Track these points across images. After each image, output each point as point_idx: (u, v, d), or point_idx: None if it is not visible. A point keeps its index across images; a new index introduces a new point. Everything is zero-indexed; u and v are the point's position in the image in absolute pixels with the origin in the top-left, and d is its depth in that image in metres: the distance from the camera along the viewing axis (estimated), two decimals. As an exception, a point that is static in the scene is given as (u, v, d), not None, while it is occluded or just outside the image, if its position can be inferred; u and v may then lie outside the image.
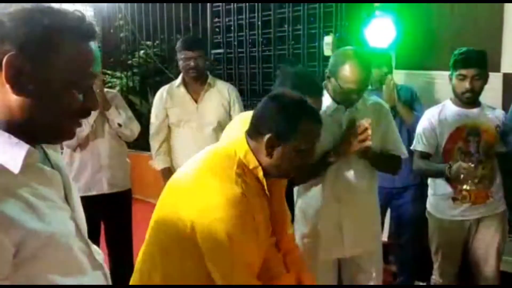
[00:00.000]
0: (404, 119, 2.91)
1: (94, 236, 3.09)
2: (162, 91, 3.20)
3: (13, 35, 0.84)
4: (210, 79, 3.19)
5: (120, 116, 2.93)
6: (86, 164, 2.93)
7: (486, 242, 2.57)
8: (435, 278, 2.72)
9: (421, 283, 3.15)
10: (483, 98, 2.58)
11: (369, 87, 3.00)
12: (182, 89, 3.16)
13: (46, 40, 0.87)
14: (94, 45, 0.96)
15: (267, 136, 1.41)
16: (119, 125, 2.93)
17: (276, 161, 1.44)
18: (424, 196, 2.74)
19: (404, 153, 2.34)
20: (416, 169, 2.65)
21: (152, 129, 3.23)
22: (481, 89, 2.47)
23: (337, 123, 2.22)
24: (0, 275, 0.80)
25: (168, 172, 3.10)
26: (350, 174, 2.21)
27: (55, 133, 0.94)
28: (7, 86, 0.85)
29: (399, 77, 3.11)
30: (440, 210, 2.61)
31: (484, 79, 2.46)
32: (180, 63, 3.10)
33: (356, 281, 2.33)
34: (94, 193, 2.93)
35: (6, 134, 0.86)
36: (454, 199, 2.53)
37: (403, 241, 3.12)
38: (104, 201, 2.96)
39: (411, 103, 2.93)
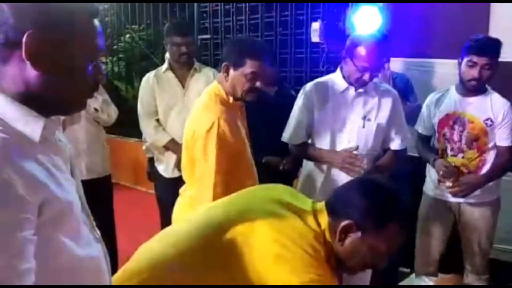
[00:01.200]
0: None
1: None
2: (149, 76, 3.18)
3: (31, 14, 0.89)
4: (196, 64, 3.18)
5: (96, 101, 2.88)
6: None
7: (471, 229, 2.61)
8: (417, 259, 2.78)
9: (405, 269, 3.19)
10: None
11: None
12: (170, 74, 3.13)
13: (62, 18, 0.92)
14: (97, 21, 1.01)
15: (347, 221, 1.28)
16: (96, 109, 2.90)
17: (346, 251, 1.31)
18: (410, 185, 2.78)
19: (407, 142, 2.50)
20: (417, 150, 2.74)
21: (142, 114, 3.18)
22: (488, 78, 2.44)
23: (345, 103, 2.39)
24: (31, 229, 0.85)
25: (173, 144, 3.05)
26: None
27: (69, 105, 1.01)
28: (27, 62, 0.90)
29: (394, 65, 3.10)
30: (428, 188, 2.70)
31: (494, 69, 2.42)
32: (170, 48, 3.07)
33: None
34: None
35: (26, 107, 0.93)
36: (439, 181, 2.58)
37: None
38: (83, 187, 2.91)
39: (405, 93, 2.93)
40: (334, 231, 1.31)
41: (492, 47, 2.40)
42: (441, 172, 2.50)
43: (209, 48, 4.85)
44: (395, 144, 2.49)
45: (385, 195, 1.33)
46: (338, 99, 2.40)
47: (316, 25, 3.69)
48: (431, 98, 2.67)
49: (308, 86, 2.47)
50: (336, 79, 2.43)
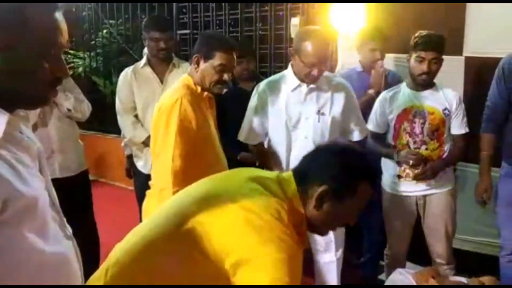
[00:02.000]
0: None
1: None
2: (127, 71, 3.15)
3: None
4: (175, 59, 3.16)
5: (69, 100, 2.85)
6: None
7: (434, 219, 2.67)
8: (386, 252, 2.87)
9: (383, 263, 3.24)
10: (446, 81, 2.65)
11: (358, 69, 3.07)
12: (148, 70, 3.11)
13: (15, 12, 0.91)
14: (60, 15, 0.98)
15: (322, 188, 1.31)
16: (69, 110, 2.86)
17: (322, 216, 1.33)
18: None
19: (362, 133, 2.55)
20: (370, 148, 2.76)
21: (120, 110, 3.15)
22: (436, 72, 2.56)
23: (298, 100, 2.41)
24: None
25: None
26: None
27: (29, 99, 0.99)
28: None
29: (386, 61, 3.11)
30: (389, 185, 2.74)
31: (440, 63, 2.55)
32: (148, 43, 3.04)
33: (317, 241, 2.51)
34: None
35: None
36: (399, 176, 2.65)
37: (372, 221, 3.19)
38: (58, 185, 2.87)
39: None
40: (305, 198, 1.33)
41: (438, 42, 2.51)
42: (411, 162, 2.55)
43: (189, 43, 4.82)
44: (355, 135, 2.57)
45: (352, 155, 1.38)
46: (291, 96, 2.43)
47: (295, 21, 3.70)
48: (384, 95, 2.72)
49: (261, 85, 2.52)
50: (287, 76, 2.46)
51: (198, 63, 2.19)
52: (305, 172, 1.36)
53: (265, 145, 2.61)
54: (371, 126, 2.74)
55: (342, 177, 1.32)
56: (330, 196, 1.31)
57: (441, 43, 2.53)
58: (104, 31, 5.77)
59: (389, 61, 3.18)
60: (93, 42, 5.89)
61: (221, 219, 1.25)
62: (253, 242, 1.20)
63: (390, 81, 3.00)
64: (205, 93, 2.24)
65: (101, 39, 5.83)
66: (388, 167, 2.73)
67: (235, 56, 2.23)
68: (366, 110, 2.94)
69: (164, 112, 2.12)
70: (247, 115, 2.53)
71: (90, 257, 2.73)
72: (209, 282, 1.25)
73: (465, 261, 2.90)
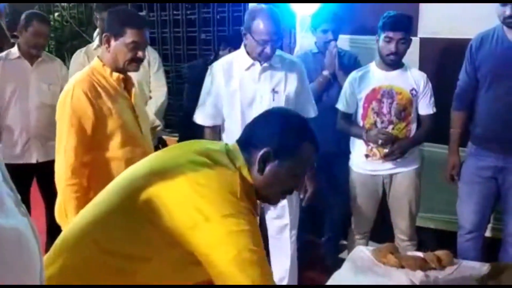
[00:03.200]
0: (343, 86, 2.96)
1: (24, 203, 3.16)
2: (80, 54, 3.07)
3: None
4: None
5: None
6: (15, 133, 2.93)
7: (399, 197, 2.74)
8: (351, 230, 2.92)
9: (345, 242, 3.30)
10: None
11: (313, 50, 3.07)
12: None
13: None
14: None
15: (264, 150, 1.30)
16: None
17: (266, 179, 1.33)
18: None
19: (314, 111, 2.58)
20: (339, 128, 2.80)
21: None
22: (404, 52, 2.60)
23: (252, 79, 2.43)
24: None
25: None
26: None
27: None
28: None
29: (341, 42, 3.12)
30: (356, 165, 2.78)
31: (408, 43, 2.59)
32: (101, 24, 2.97)
33: (273, 225, 2.59)
34: (22, 161, 2.94)
35: None
36: (366, 156, 2.70)
37: (333, 200, 3.24)
38: (35, 169, 2.98)
39: (352, 70, 2.98)
40: (251, 165, 1.33)
41: (405, 22, 2.56)
42: (380, 141, 2.59)
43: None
44: (311, 112, 2.60)
45: (292, 118, 1.41)
46: (245, 76, 2.44)
47: (254, 5, 3.66)
48: (353, 75, 2.74)
49: (214, 66, 2.51)
50: (240, 56, 2.46)
51: (109, 42, 2.08)
52: (248, 139, 1.37)
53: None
54: (340, 105, 2.77)
55: (282, 139, 1.33)
56: (272, 158, 1.31)
57: (409, 24, 2.56)
58: (56, 14, 5.57)
59: (345, 43, 3.20)
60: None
61: (175, 193, 1.23)
62: (212, 217, 1.19)
63: (347, 62, 3.03)
64: (117, 75, 2.12)
65: (53, 23, 5.61)
66: (356, 147, 2.76)
67: (147, 34, 2.14)
68: (322, 91, 2.97)
69: (58, 104, 2.08)
70: (201, 97, 2.51)
71: None
72: (160, 256, 1.23)
73: (427, 238, 3.00)
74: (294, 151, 1.33)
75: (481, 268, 1.89)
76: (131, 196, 1.27)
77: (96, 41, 3.08)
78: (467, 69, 2.56)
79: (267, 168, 1.32)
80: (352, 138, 2.80)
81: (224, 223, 1.19)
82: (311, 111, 2.60)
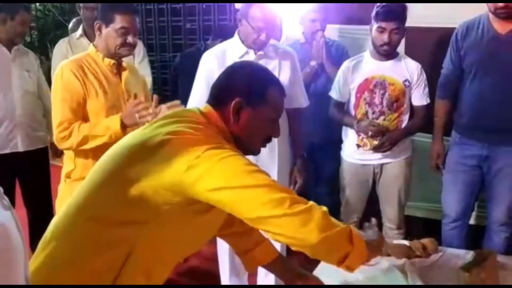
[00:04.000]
0: (331, 76, 2.97)
1: (10, 194, 3.13)
2: (62, 44, 3.04)
3: None
4: None
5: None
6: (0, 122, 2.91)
7: (389, 186, 2.75)
8: (341, 217, 2.90)
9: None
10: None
11: (301, 41, 3.06)
12: (85, 41, 3.02)
13: None
14: None
15: (235, 100, 1.35)
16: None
17: (244, 128, 1.38)
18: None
19: (305, 101, 2.60)
20: (331, 116, 2.80)
21: None
22: (398, 42, 2.58)
23: None
24: None
25: None
26: None
27: None
28: None
29: (330, 32, 3.12)
30: (347, 154, 2.79)
31: (402, 33, 2.57)
32: (84, 13, 2.93)
33: None
34: (8, 151, 2.91)
35: None
36: (357, 145, 2.71)
37: (321, 192, 3.26)
38: (20, 159, 2.96)
39: (340, 61, 2.97)
40: (227, 120, 1.37)
41: (398, 12, 2.53)
42: (370, 132, 2.60)
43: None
44: (303, 102, 2.61)
45: (253, 67, 1.47)
46: None
47: None
48: (346, 64, 2.74)
49: (207, 54, 2.49)
50: (234, 44, 2.46)
51: (100, 30, 2.18)
52: (217, 97, 1.41)
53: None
54: (333, 94, 2.76)
55: (250, 86, 1.38)
56: (244, 106, 1.36)
57: (402, 13, 2.54)
58: (38, 3, 5.47)
59: (333, 32, 3.19)
60: (26, 15, 5.57)
61: (160, 151, 1.24)
62: (200, 153, 1.20)
63: (335, 52, 3.02)
64: (108, 60, 2.21)
65: (35, 12, 5.52)
66: (349, 136, 2.76)
67: (137, 19, 2.22)
68: (310, 81, 2.97)
69: (52, 87, 2.19)
70: (195, 85, 2.49)
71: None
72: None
73: (415, 227, 3.03)
74: (263, 95, 1.38)
75: (465, 255, 1.92)
76: (119, 166, 1.30)
77: (79, 31, 3.04)
78: (452, 58, 2.57)
79: (242, 118, 1.37)
80: (344, 128, 2.80)
81: (215, 153, 1.21)
82: (303, 101, 2.61)
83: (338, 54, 3.00)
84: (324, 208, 1.24)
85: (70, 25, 3.11)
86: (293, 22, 3.29)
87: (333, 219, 1.26)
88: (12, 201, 3.12)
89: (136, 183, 1.23)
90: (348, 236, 1.24)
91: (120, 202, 1.26)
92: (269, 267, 1.66)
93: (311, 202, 1.24)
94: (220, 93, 1.41)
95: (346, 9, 3.17)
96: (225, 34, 2.93)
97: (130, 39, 2.17)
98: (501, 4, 2.33)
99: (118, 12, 2.14)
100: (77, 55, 2.28)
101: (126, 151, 1.32)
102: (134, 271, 1.27)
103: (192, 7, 4.34)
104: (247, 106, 1.36)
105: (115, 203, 1.27)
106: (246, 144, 1.40)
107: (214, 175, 1.19)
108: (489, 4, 2.38)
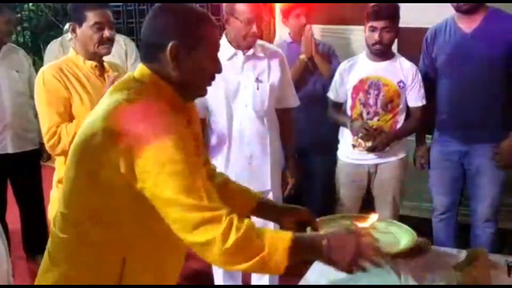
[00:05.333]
0: (321, 71, 2.97)
1: (1, 195, 3.08)
2: (54, 44, 3.02)
3: None
4: None
5: None
6: None
7: (383, 187, 2.77)
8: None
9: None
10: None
11: (288, 40, 3.07)
12: None
13: None
14: None
15: (170, 44, 1.25)
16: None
17: (187, 72, 1.29)
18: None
19: (295, 101, 2.58)
20: (328, 117, 2.82)
21: None
22: (390, 41, 2.60)
23: (235, 69, 2.39)
24: None
25: None
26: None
27: None
28: None
29: (315, 32, 3.13)
30: (343, 154, 2.81)
31: (394, 32, 2.59)
32: None
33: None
34: None
35: None
36: (353, 145, 2.72)
37: (312, 193, 3.27)
38: (10, 161, 2.95)
39: (328, 58, 2.98)
40: (164, 70, 1.29)
41: (389, 11, 2.55)
42: (360, 134, 2.61)
43: (122, 16, 4.65)
44: (293, 101, 2.63)
45: (178, 6, 1.35)
46: (227, 66, 2.37)
47: None
48: (343, 65, 2.76)
49: None
50: (222, 46, 2.40)
51: (75, 31, 2.16)
52: (149, 49, 1.32)
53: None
54: (331, 94, 2.78)
55: (182, 28, 1.28)
56: (181, 49, 1.27)
57: (393, 12, 2.56)
58: (31, 3, 5.45)
59: (317, 32, 3.20)
60: (18, 15, 5.54)
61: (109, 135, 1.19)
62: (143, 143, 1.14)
63: (321, 51, 3.03)
64: (90, 63, 2.19)
65: (27, 12, 5.50)
66: (345, 136, 2.78)
67: (110, 14, 2.19)
68: (299, 77, 2.96)
69: (35, 93, 2.18)
70: None
71: (36, 239, 2.81)
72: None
73: (409, 226, 3.04)
74: (199, 34, 1.29)
75: (458, 254, 1.93)
76: (76, 159, 1.27)
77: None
78: (425, 61, 2.70)
79: (182, 62, 1.28)
80: (341, 128, 2.81)
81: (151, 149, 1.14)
82: (293, 101, 2.61)
83: (325, 52, 3.02)
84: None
85: (66, 26, 3.08)
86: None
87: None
88: (4, 202, 3.12)
89: (95, 167, 1.21)
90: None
91: (89, 195, 1.24)
92: (254, 215, 1.57)
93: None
94: (151, 45, 1.31)
95: (330, 8, 3.19)
96: None
97: (106, 33, 2.14)
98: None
99: (89, 9, 2.11)
100: (56, 60, 2.27)
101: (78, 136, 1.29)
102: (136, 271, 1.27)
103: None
104: (184, 50, 1.27)
105: (86, 197, 1.25)
106: (192, 88, 1.34)
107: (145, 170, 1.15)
108: (453, 3, 2.46)
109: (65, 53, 2.95)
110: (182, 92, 1.32)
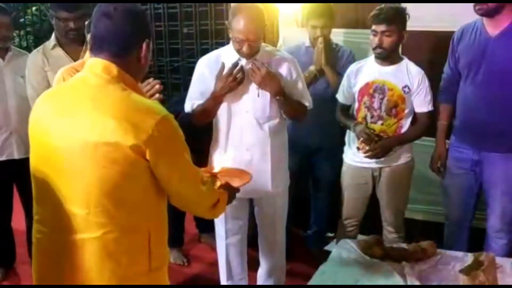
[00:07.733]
0: (330, 82, 2.96)
1: (7, 200, 3.06)
2: (37, 54, 2.87)
3: None
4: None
5: None
6: None
7: (388, 190, 2.74)
8: (343, 219, 2.89)
9: (330, 234, 3.33)
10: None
11: (306, 44, 3.06)
12: (59, 51, 2.87)
13: None
14: None
15: (145, 44, 1.47)
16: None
17: (145, 62, 1.50)
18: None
19: (309, 102, 2.50)
20: (337, 119, 2.82)
21: (34, 97, 2.83)
22: (390, 46, 2.55)
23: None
24: None
25: None
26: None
27: None
28: None
29: (337, 37, 3.11)
30: (348, 156, 2.80)
31: (396, 36, 2.54)
32: (56, 23, 2.82)
33: (263, 214, 2.57)
34: (3, 158, 2.90)
35: None
36: (358, 148, 2.69)
37: (319, 195, 3.26)
38: (16, 166, 2.92)
39: (346, 65, 2.94)
40: (132, 63, 1.47)
41: (389, 15, 2.52)
42: (361, 138, 2.61)
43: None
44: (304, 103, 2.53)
45: (138, 8, 1.54)
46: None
47: None
48: (351, 68, 2.75)
49: (202, 59, 2.47)
50: (228, 51, 2.42)
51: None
52: (121, 51, 1.45)
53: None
54: (339, 97, 2.79)
55: (148, 26, 1.53)
56: (146, 46, 1.48)
57: (395, 16, 2.52)
58: (34, 8, 5.47)
59: (339, 36, 3.17)
60: (22, 19, 5.57)
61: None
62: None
63: (341, 56, 3.02)
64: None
65: (31, 17, 5.52)
66: (351, 139, 2.76)
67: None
68: (308, 86, 2.96)
69: None
70: (190, 90, 2.49)
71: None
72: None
73: (415, 229, 3.02)
74: (148, 28, 1.54)
75: (464, 258, 1.93)
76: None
77: (52, 40, 2.90)
78: (450, 62, 2.59)
79: (144, 55, 1.48)
80: (348, 131, 2.80)
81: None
82: (306, 102, 2.51)
83: (344, 58, 3.00)
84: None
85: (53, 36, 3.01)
86: (290, 24, 3.30)
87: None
88: (10, 207, 3.12)
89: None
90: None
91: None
92: None
93: None
94: (125, 46, 1.46)
95: (351, 12, 3.17)
96: None
97: (71, 25, 2.33)
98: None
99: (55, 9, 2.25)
100: (74, 63, 2.30)
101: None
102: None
103: (189, 12, 4.34)
104: (146, 43, 1.48)
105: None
106: (144, 73, 1.56)
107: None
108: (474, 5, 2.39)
109: (49, 62, 2.82)
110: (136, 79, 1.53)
